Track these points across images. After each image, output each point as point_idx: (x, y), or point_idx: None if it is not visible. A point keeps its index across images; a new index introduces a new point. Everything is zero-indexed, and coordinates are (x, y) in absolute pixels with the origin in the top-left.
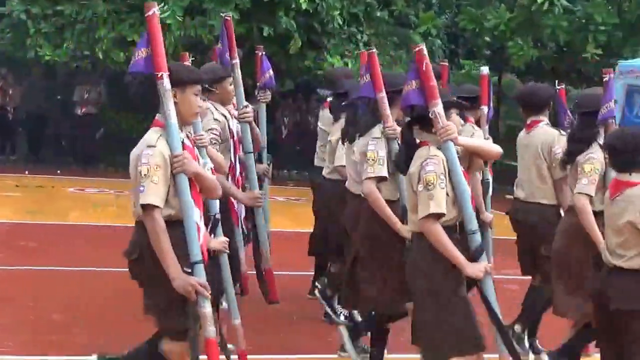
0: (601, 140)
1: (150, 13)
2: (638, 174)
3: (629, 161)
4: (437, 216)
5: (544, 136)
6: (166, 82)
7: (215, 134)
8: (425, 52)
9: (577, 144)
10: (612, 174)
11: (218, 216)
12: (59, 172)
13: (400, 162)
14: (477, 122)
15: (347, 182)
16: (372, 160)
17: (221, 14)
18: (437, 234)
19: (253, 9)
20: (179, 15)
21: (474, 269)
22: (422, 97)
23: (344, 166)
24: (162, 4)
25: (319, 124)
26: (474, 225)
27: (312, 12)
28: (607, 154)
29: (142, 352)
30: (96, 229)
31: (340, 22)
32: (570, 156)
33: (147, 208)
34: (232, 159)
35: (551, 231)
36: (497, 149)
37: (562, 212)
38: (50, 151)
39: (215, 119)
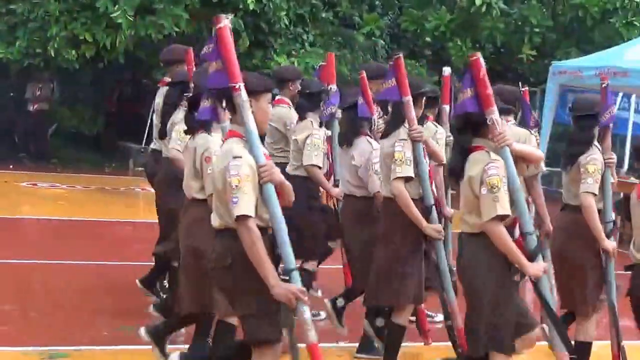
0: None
1: (221, 25)
2: None
3: None
4: (502, 218)
5: (516, 136)
6: (243, 93)
7: (317, 137)
8: (482, 61)
9: (578, 146)
10: (608, 174)
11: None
12: (11, 167)
13: (456, 166)
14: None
15: (340, 184)
16: (400, 160)
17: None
18: (502, 235)
19: (202, 9)
20: (130, 14)
21: (533, 269)
22: (477, 105)
23: (315, 166)
24: (113, 4)
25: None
26: (530, 227)
27: (260, 12)
28: (636, 156)
29: (231, 346)
30: (48, 223)
31: (287, 23)
32: (572, 158)
33: (242, 219)
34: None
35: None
36: (540, 154)
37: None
38: (3, 147)
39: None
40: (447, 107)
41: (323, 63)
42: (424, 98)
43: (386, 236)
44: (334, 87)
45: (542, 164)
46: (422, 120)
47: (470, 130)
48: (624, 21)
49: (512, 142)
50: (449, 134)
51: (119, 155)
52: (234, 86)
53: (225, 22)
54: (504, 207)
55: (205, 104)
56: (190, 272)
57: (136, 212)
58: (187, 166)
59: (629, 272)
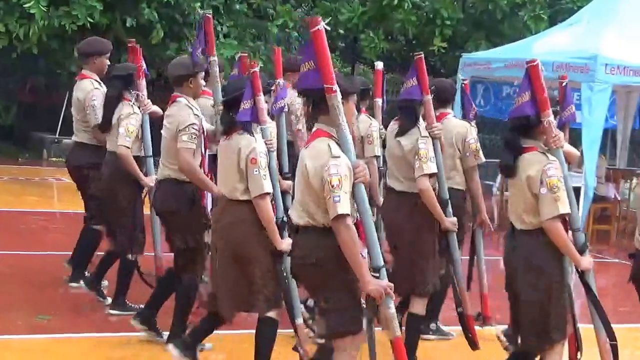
0: None
1: (317, 28)
2: None
3: None
4: (562, 216)
5: (457, 128)
6: (338, 95)
7: (195, 129)
8: (540, 67)
9: None
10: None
11: (285, 219)
12: None
13: (509, 165)
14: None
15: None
16: (425, 157)
17: (200, 10)
18: (562, 232)
19: (117, 0)
20: (44, 5)
21: (586, 262)
22: (534, 108)
23: None
24: None
25: None
26: (578, 223)
27: (174, 3)
28: None
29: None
30: None
31: (201, 14)
32: None
33: (342, 217)
34: (203, 153)
35: (458, 213)
36: (578, 153)
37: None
38: None
39: (196, 115)
40: (379, 101)
41: (243, 54)
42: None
43: (405, 230)
44: (282, 81)
45: (481, 155)
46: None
47: (521, 131)
48: (532, 14)
49: (564, 144)
50: (382, 126)
51: (32, 146)
52: (331, 88)
53: (321, 25)
54: (564, 207)
55: (245, 105)
56: (230, 273)
57: (51, 202)
58: (225, 166)
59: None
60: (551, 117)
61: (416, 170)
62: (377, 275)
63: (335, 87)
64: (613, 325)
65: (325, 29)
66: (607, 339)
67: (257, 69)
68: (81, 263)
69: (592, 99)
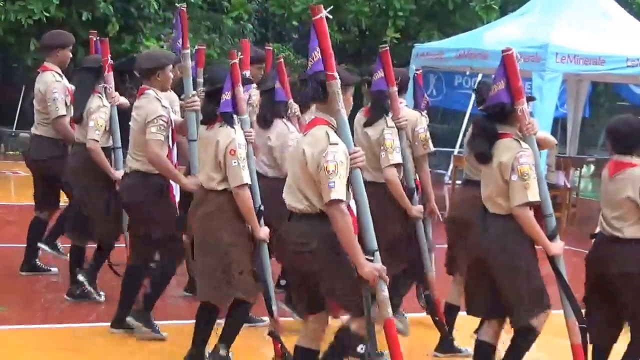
0: None
1: (319, 16)
2: (637, 156)
3: (631, 144)
4: (530, 203)
5: (407, 117)
6: (339, 82)
7: (164, 121)
8: (515, 55)
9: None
10: (538, 157)
11: (262, 207)
12: None
13: (485, 151)
14: None
15: (259, 166)
16: (391, 148)
17: (177, 4)
18: (530, 219)
19: None
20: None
21: (555, 247)
22: (509, 95)
23: None
24: None
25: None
26: (549, 209)
27: None
28: (610, 137)
29: (336, 349)
30: None
31: (156, 7)
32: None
33: (336, 202)
34: (170, 145)
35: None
36: (553, 139)
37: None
38: None
39: (164, 106)
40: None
41: (201, 47)
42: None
43: (374, 219)
44: (247, 72)
45: (430, 145)
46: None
47: (497, 118)
48: (483, 5)
49: (538, 131)
50: None
51: None
52: (332, 75)
53: (323, 14)
54: (534, 194)
55: (226, 96)
56: (207, 261)
57: (8, 195)
58: (203, 156)
59: None
60: (525, 105)
61: (382, 160)
62: (372, 258)
63: (336, 74)
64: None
65: (327, 17)
66: (577, 322)
67: (236, 61)
68: (32, 253)
69: (542, 88)
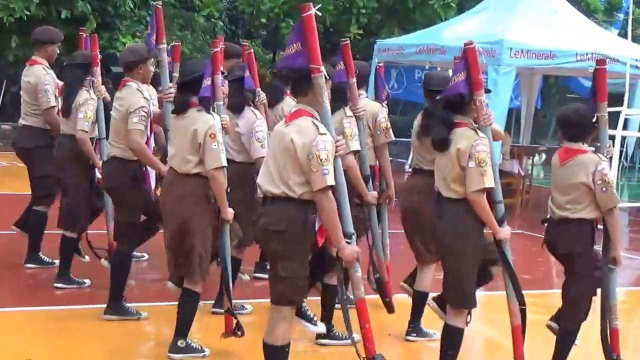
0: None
1: (308, 13)
2: (586, 143)
3: (580, 132)
4: (485, 189)
5: (368, 107)
6: (324, 76)
7: (145, 112)
8: (477, 49)
9: (433, 119)
10: (493, 146)
11: (229, 190)
12: None
13: (442, 139)
14: None
15: (227, 151)
16: (350, 136)
17: (152, 2)
18: (484, 204)
19: None
20: None
21: (504, 232)
22: (468, 87)
23: None
24: None
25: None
26: (500, 196)
27: None
28: (561, 125)
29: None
30: None
31: (132, 6)
32: (427, 129)
33: (327, 189)
34: (148, 134)
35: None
36: (503, 133)
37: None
38: None
39: (145, 98)
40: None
41: (177, 43)
42: None
43: None
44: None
45: (391, 134)
46: (281, 95)
47: (454, 108)
48: (441, 3)
49: (494, 122)
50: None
51: None
52: (318, 68)
53: (312, 11)
54: (490, 180)
55: (207, 82)
56: (174, 242)
57: None
58: (177, 141)
59: None
60: (483, 97)
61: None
62: (350, 241)
63: (322, 68)
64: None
65: (316, 14)
66: (518, 304)
67: (218, 50)
68: (34, 246)
69: (497, 81)
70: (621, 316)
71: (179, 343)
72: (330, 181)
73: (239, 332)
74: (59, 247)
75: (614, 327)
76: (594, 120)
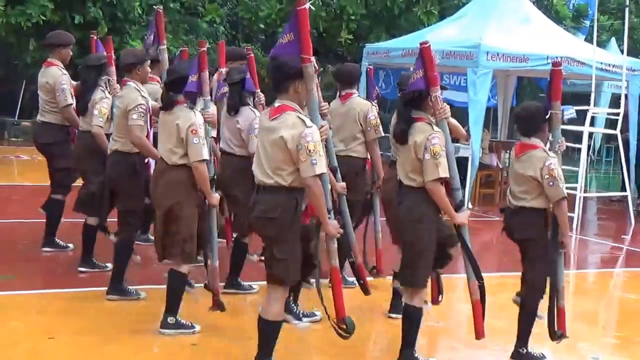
0: None
1: (303, 7)
2: (537, 138)
3: (530, 127)
4: (441, 179)
5: (360, 106)
6: (312, 66)
7: (143, 109)
8: (431, 48)
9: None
10: (449, 139)
11: (215, 177)
12: None
13: (402, 134)
14: None
15: (222, 143)
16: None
17: (155, 7)
18: (441, 192)
19: (66, 0)
20: (1, 5)
21: (461, 217)
22: (425, 83)
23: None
24: None
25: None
26: (457, 183)
27: (116, 3)
28: (516, 121)
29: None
30: None
31: (140, 12)
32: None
33: (317, 176)
34: (148, 129)
35: (359, 178)
36: (464, 132)
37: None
38: None
39: (143, 96)
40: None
41: (184, 48)
42: None
43: None
44: (224, 70)
45: (381, 130)
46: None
47: (413, 104)
48: (424, 10)
49: (449, 116)
50: None
51: None
52: (308, 58)
53: (306, 5)
54: (444, 171)
55: (193, 79)
56: (161, 225)
57: (11, 177)
58: (164, 135)
59: None
60: (439, 92)
61: None
62: (330, 216)
63: (312, 58)
64: (497, 274)
65: (310, 8)
66: (477, 282)
67: (204, 49)
68: (50, 231)
69: (476, 82)
70: (591, 297)
71: (168, 320)
72: (320, 170)
73: (219, 309)
74: (82, 233)
75: (561, 306)
76: (547, 116)
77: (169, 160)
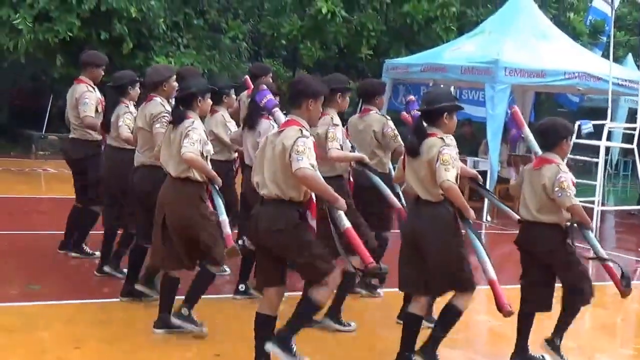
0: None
1: None
2: (555, 154)
3: (549, 142)
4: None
5: (375, 122)
6: None
7: (167, 120)
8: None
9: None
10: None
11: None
12: None
13: (414, 147)
14: None
15: (245, 158)
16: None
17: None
18: (455, 188)
19: (92, 17)
20: (29, 21)
21: (471, 213)
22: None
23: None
24: (15, 12)
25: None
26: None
27: (141, 19)
28: (536, 136)
29: (307, 306)
30: None
31: (164, 28)
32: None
33: (302, 169)
34: None
35: (380, 192)
36: (474, 172)
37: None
38: None
39: (167, 110)
40: None
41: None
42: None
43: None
44: (263, 85)
45: (400, 139)
46: None
47: (429, 120)
48: (443, 27)
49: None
50: None
51: (22, 142)
52: None
53: None
54: (452, 175)
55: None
56: (181, 238)
57: (38, 189)
58: (172, 149)
59: None
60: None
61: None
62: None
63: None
64: (515, 286)
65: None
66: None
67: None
68: (81, 238)
69: (494, 97)
70: (609, 309)
71: (182, 310)
72: (303, 165)
73: (235, 255)
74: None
75: None
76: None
77: (174, 174)
